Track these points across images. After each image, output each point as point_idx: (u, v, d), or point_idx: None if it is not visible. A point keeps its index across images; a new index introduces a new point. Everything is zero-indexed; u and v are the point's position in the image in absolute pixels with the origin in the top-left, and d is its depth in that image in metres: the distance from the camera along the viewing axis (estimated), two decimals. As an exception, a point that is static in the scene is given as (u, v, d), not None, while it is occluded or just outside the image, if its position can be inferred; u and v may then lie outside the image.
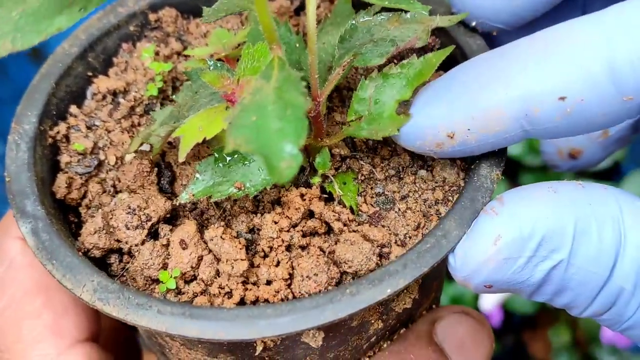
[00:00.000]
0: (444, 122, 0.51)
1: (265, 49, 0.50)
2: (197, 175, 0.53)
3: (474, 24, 0.59)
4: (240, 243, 0.53)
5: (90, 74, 0.64)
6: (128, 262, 0.56)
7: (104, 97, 0.63)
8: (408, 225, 0.55)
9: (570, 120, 0.48)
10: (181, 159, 0.48)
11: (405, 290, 0.57)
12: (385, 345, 0.62)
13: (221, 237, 0.53)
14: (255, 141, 0.40)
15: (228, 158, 0.53)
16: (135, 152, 0.60)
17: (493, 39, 0.61)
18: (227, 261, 0.53)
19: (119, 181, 0.59)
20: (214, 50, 0.58)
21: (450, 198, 0.56)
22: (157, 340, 0.59)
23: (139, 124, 0.62)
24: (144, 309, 0.49)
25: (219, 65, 0.55)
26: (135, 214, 0.55)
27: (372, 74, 0.54)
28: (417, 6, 0.51)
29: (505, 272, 0.50)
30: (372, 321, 0.57)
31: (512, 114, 0.49)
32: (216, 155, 0.54)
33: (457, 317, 0.63)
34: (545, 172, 1.54)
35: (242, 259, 0.52)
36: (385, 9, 0.56)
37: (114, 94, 0.63)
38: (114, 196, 0.58)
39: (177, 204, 0.57)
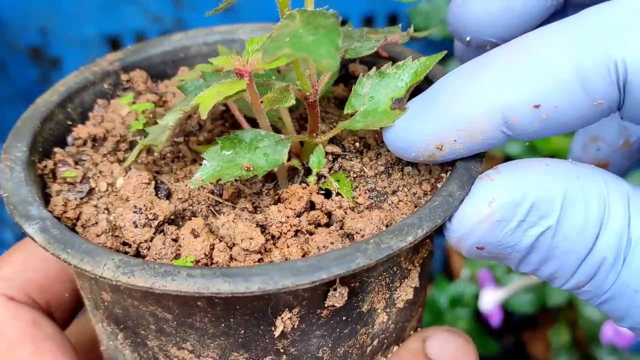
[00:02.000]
0: (432, 136, 0.54)
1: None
2: (205, 162, 0.55)
3: (468, 38, 0.63)
4: (252, 224, 0.54)
5: (69, 122, 0.65)
6: None
7: (85, 143, 0.64)
8: (403, 214, 0.58)
9: (548, 124, 0.51)
10: (203, 116, 0.50)
11: (407, 277, 0.58)
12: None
13: (232, 220, 0.54)
14: (293, 49, 0.44)
15: (236, 146, 0.55)
16: (125, 176, 0.61)
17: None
18: (242, 241, 0.53)
19: (112, 204, 0.59)
20: (199, 75, 0.62)
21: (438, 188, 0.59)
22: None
23: (124, 159, 0.63)
24: (172, 274, 0.48)
25: (212, 74, 0.59)
26: (142, 213, 0.55)
27: (370, 72, 0.59)
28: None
29: (497, 233, 0.52)
30: (379, 310, 0.57)
31: (492, 123, 0.52)
32: (221, 143, 0.55)
33: (446, 335, 0.65)
34: None
35: (258, 235, 0.53)
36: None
37: (94, 139, 0.64)
38: (109, 215, 0.58)
39: (183, 211, 0.57)
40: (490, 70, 0.52)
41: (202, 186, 0.59)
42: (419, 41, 0.63)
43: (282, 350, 0.54)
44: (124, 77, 0.70)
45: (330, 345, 0.56)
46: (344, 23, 0.63)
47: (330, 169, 0.60)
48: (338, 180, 0.58)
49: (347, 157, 0.61)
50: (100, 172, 0.61)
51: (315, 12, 0.48)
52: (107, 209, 0.59)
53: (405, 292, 0.58)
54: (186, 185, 0.59)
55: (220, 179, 0.54)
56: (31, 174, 0.58)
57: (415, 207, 0.58)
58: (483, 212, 0.52)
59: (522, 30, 0.63)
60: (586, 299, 0.54)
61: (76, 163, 0.62)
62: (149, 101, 0.67)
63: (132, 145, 0.64)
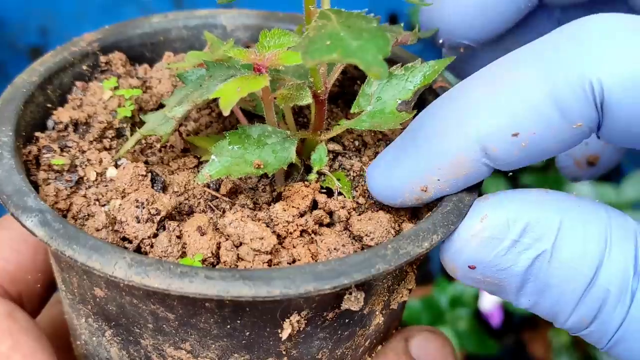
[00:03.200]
0: (414, 180, 0.53)
1: (281, 32, 0.53)
2: (213, 157, 0.53)
3: (441, 40, 0.63)
4: (262, 223, 0.53)
5: (49, 105, 0.62)
6: None
7: (66, 127, 0.61)
8: (401, 215, 0.58)
9: (528, 151, 0.50)
10: (226, 113, 0.48)
11: (404, 280, 0.58)
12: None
13: (241, 219, 0.52)
14: (341, 52, 0.43)
15: (245, 141, 0.54)
16: (117, 167, 0.58)
17: (460, 55, 0.65)
18: (252, 240, 0.52)
19: (103, 195, 0.56)
20: (196, 62, 0.60)
21: None
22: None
23: (111, 147, 0.60)
24: (189, 276, 0.46)
25: (215, 65, 0.57)
26: (144, 207, 0.52)
27: None
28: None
29: (489, 252, 0.51)
30: (377, 312, 0.57)
31: (473, 156, 0.51)
32: (229, 138, 0.54)
33: (427, 335, 0.65)
34: (546, 172, 1.54)
35: (269, 236, 0.52)
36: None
37: (76, 124, 0.61)
38: (102, 206, 0.56)
39: (179, 205, 0.55)
40: (464, 103, 0.51)
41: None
42: (419, 41, 0.62)
43: (284, 352, 0.54)
44: (102, 58, 0.67)
45: (330, 347, 0.55)
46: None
47: (330, 167, 0.59)
48: (338, 179, 0.58)
49: (347, 156, 0.60)
50: (89, 160, 0.58)
51: (353, 14, 0.47)
52: (97, 200, 0.56)
53: (401, 295, 0.58)
54: (191, 181, 0.57)
55: (229, 175, 0.53)
56: (19, 159, 0.55)
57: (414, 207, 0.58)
58: (474, 227, 0.52)
59: (496, 32, 0.63)
60: (595, 341, 0.52)
61: (62, 150, 0.59)
62: (132, 86, 0.65)
63: (119, 132, 0.61)
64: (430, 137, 0.52)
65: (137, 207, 0.52)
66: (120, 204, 0.54)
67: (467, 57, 0.64)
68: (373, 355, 0.62)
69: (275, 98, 0.54)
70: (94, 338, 0.57)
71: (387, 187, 0.54)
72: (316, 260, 0.53)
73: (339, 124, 0.59)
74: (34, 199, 0.51)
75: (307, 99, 0.53)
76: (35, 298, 0.65)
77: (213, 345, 0.52)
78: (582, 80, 0.46)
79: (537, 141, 0.49)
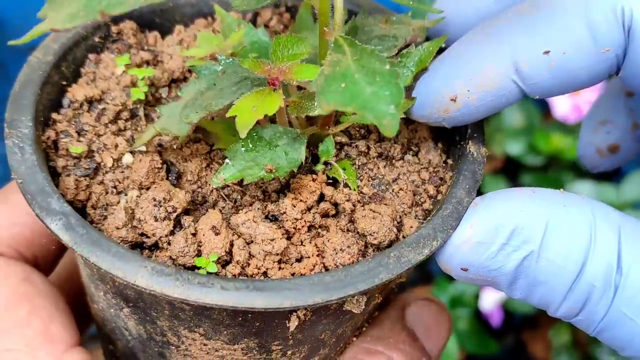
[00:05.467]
0: (446, 86, 0.56)
1: (295, 39, 0.54)
2: (227, 161, 0.55)
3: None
4: (273, 225, 0.56)
5: (64, 83, 0.63)
6: (151, 257, 0.56)
7: (81, 105, 0.62)
8: (404, 203, 0.61)
9: (556, 74, 0.53)
10: (243, 135, 0.50)
11: None
12: (364, 329, 0.67)
13: (253, 220, 0.56)
14: (353, 103, 0.45)
15: (257, 144, 0.56)
16: (132, 153, 0.60)
17: None
18: (263, 241, 0.55)
19: (120, 182, 0.59)
20: (209, 51, 0.61)
21: (435, 177, 0.62)
22: (162, 338, 0.59)
23: (126, 128, 0.62)
24: (206, 287, 0.50)
25: (229, 60, 0.58)
26: (161, 206, 0.55)
27: None
28: (429, 7, 0.58)
29: (479, 255, 0.55)
30: (377, 295, 0.61)
31: (503, 70, 0.54)
32: (242, 141, 0.56)
33: (423, 304, 0.70)
34: (546, 172, 1.55)
35: (280, 238, 0.55)
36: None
37: (90, 101, 0.63)
38: (119, 195, 0.59)
39: (193, 193, 0.58)
40: (504, 23, 0.55)
41: (208, 166, 0.60)
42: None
43: (289, 337, 0.58)
44: (114, 28, 0.67)
45: (332, 328, 0.60)
46: (351, 15, 0.63)
47: (336, 156, 0.62)
48: (344, 169, 0.60)
49: (353, 145, 0.62)
50: (105, 145, 0.61)
51: (367, 50, 0.48)
52: (114, 187, 0.59)
53: (401, 276, 0.62)
54: (203, 169, 0.60)
55: (242, 180, 0.55)
56: (39, 152, 0.57)
57: (414, 195, 0.61)
58: (465, 234, 0.55)
59: None
60: (584, 328, 0.56)
61: (78, 134, 0.61)
62: (143, 60, 0.66)
63: (132, 114, 0.63)
64: (467, 51, 0.56)
65: (154, 206, 0.55)
66: (138, 197, 0.57)
67: None
68: (370, 321, 0.67)
69: (287, 106, 0.56)
70: (112, 310, 0.61)
71: (419, 93, 0.58)
72: (322, 258, 0.56)
73: (345, 116, 0.61)
74: (57, 200, 0.54)
75: (319, 110, 0.55)
76: (50, 259, 0.69)
77: (225, 332, 0.57)
78: (614, 5, 0.51)
79: (566, 63, 0.53)
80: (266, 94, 0.52)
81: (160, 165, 0.58)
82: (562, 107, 1.53)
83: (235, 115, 0.51)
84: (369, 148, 0.62)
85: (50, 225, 0.53)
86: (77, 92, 0.62)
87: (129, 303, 0.58)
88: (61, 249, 0.69)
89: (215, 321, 0.56)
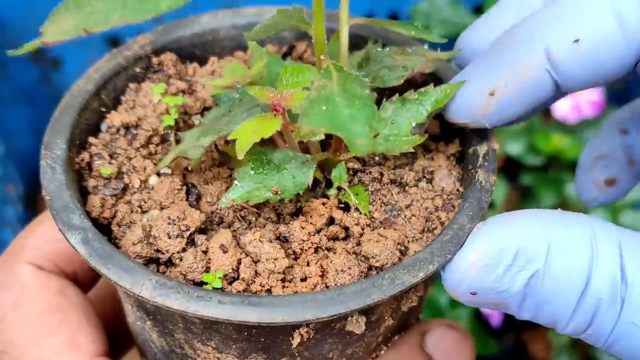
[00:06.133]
0: (484, 81, 0.59)
1: (300, 68, 0.57)
2: (236, 182, 0.59)
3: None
4: (277, 245, 0.59)
5: (103, 109, 0.68)
6: (165, 272, 0.59)
7: (118, 130, 0.67)
8: (414, 229, 0.62)
9: (587, 62, 0.56)
10: (240, 156, 0.54)
11: (413, 288, 0.63)
12: (382, 352, 0.68)
13: (259, 240, 0.58)
14: (330, 124, 0.47)
15: (266, 167, 0.59)
16: (159, 175, 0.64)
17: None
18: (267, 260, 0.58)
19: (145, 202, 0.63)
20: (232, 80, 0.64)
21: (449, 205, 0.64)
22: (181, 351, 0.62)
23: (156, 152, 0.67)
24: (205, 300, 0.53)
25: (245, 90, 0.61)
26: (175, 224, 0.59)
27: (393, 97, 0.62)
28: (435, 38, 0.60)
29: (487, 279, 0.56)
30: (386, 317, 0.63)
31: (537, 61, 0.57)
32: (251, 164, 0.59)
33: (444, 330, 0.70)
34: (546, 172, 1.56)
35: (282, 257, 0.58)
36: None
37: (127, 127, 0.67)
38: (143, 214, 0.62)
39: (211, 214, 0.62)
40: (532, 20, 0.58)
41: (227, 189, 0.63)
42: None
43: (296, 354, 0.60)
44: (155, 60, 0.72)
45: (340, 348, 0.62)
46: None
47: (350, 182, 0.64)
48: (356, 194, 0.63)
49: (367, 171, 0.64)
50: (134, 167, 0.65)
51: (352, 76, 0.51)
52: (140, 206, 0.63)
53: (411, 300, 0.64)
54: (223, 191, 0.63)
55: (248, 200, 0.58)
56: (70, 172, 0.62)
57: (426, 221, 0.63)
58: (470, 259, 0.56)
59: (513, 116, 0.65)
60: (593, 342, 0.57)
61: (111, 157, 0.65)
62: (179, 89, 0.70)
63: (163, 139, 0.67)
64: (502, 47, 0.59)
65: (169, 224, 0.59)
66: (157, 216, 0.61)
67: None
68: (389, 345, 0.68)
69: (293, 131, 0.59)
70: (139, 323, 0.65)
71: (456, 94, 0.61)
72: (325, 278, 0.58)
73: None
74: (78, 216, 0.58)
75: (321, 136, 0.57)
76: (89, 275, 0.73)
77: (234, 346, 0.59)
78: None
79: (596, 50, 0.56)
80: (267, 119, 0.55)
81: (179, 187, 0.62)
82: (562, 107, 1.54)
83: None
84: (382, 174, 0.64)
85: (70, 240, 0.57)
86: (115, 118, 0.67)
87: (150, 316, 0.62)
88: None
89: (224, 335, 0.59)
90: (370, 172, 0.64)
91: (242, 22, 0.75)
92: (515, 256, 0.55)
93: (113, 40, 1.40)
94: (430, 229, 0.63)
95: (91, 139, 0.66)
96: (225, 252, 0.58)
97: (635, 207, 1.43)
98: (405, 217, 0.63)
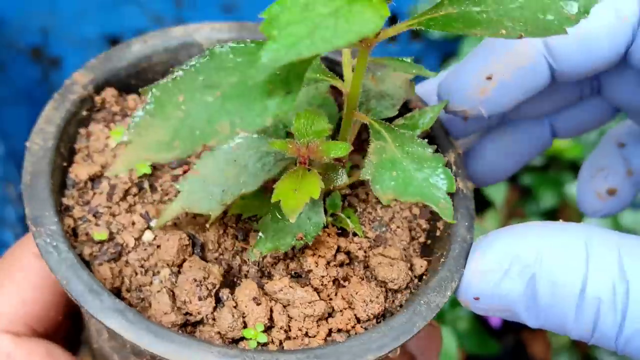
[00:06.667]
0: (482, 65, 0.62)
1: (313, 114, 0.58)
2: (260, 234, 0.59)
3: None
4: (311, 288, 0.60)
5: (64, 164, 0.64)
6: (193, 332, 0.59)
7: (85, 184, 0.63)
8: (403, 240, 0.66)
9: (583, 45, 0.60)
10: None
11: None
12: None
13: (289, 286, 0.59)
14: (407, 192, 0.50)
15: (283, 214, 0.59)
16: (150, 228, 0.62)
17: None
18: (302, 305, 0.59)
19: (146, 260, 0.61)
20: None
21: (425, 211, 0.68)
22: None
23: (135, 203, 0.64)
24: None
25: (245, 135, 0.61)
26: (202, 285, 0.58)
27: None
28: (427, 71, 0.62)
29: (488, 283, 0.60)
30: None
31: (534, 47, 0.61)
32: (271, 214, 0.59)
33: None
34: (546, 172, 1.55)
35: (318, 300, 0.59)
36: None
37: (92, 179, 0.64)
38: (152, 276, 0.60)
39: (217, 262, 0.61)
40: None
41: (225, 232, 0.63)
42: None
43: None
44: (97, 98, 0.68)
45: None
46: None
47: (342, 207, 0.66)
48: (349, 217, 0.65)
49: (353, 194, 0.67)
50: (123, 225, 0.62)
51: (404, 135, 0.53)
52: (141, 266, 0.61)
53: None
54: (221, 235, 0.62)
55: (277, 250, 0.59)
56: (71, 246, 0.58)
57: (410, 230, 0.67)
58: (472, 267, 0.61)
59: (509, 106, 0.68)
60: (607, 346, 0.57)
61: (95, 216, 0.62)
62: (134, 129, 0.67)
63: (140, 188, 0.64)
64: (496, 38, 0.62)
65: (197, 286, 0.58)
66: (172, 275, 0.59)
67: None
68: None
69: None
70: None
71: (454, 80, 0.64)
72: (353, 309, 0.61)
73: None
74: (108, 297, 0.55)
75: (343, 179, 0.59)
76: (61, 330, 0.69)
77: None
78: None
79: (591, 33, 0.59)
80: (301, 174, 0.56)
81: (187, 242, 0.61)
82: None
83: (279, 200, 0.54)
84: (367, 194, 0.67)
85: (111, 326, 0.54)
86: (79, 171, 0.63)
87: None
88: (70, 320, 0.70)
89: None
90: (357, 195, 0.67)
91: (174, 45, 0.72)
92: (512, 261, 0.59)
93: (113, 40, 1.32)
94: (415, 237, 0.67)
95: (64, 200, 0.62)
96: (258, 304, 0.58)
97: (636, 207, 1.44)
98: (391, 230, 0.67)
